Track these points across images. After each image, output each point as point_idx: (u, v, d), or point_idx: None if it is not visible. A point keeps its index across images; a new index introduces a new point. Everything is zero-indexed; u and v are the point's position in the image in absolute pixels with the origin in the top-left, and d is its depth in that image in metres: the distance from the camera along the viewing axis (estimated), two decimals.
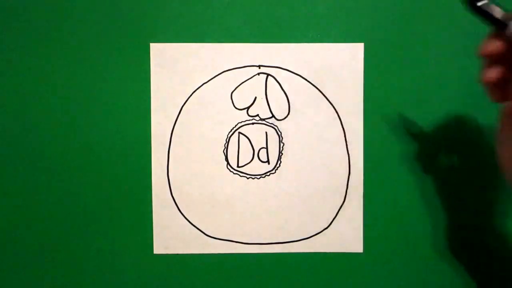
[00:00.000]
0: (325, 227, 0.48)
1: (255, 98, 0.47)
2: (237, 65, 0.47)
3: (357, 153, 0.47)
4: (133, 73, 0.46)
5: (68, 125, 0.46)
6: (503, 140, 0.34)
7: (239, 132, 0.47)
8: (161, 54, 0.46)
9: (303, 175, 0.47)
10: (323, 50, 0.47)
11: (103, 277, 0.48)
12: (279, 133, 0.47)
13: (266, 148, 0.47)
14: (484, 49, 0.32)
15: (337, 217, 0.48)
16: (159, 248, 0.48)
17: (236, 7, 0.46)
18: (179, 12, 0.46)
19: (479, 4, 0.31)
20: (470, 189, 0.48)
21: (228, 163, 0.47)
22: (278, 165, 0.47)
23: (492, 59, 0.33)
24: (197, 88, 0.47)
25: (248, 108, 0.47)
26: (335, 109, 0.47)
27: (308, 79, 0.47)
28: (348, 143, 0.47)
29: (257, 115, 0.47)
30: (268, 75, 0.47)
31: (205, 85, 0.47)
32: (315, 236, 0.48)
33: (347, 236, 0.48)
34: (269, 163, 0.48)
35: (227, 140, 0.47)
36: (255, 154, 0.47)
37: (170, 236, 0.48)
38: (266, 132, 0.47)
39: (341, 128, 0.47)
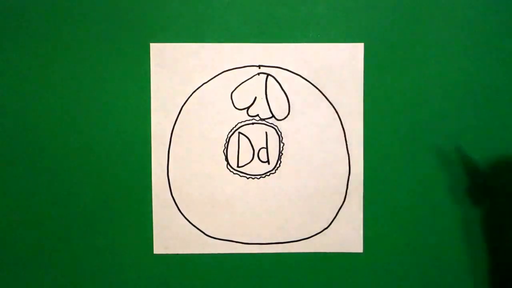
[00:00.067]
0: (325, 227, 0.48)
1: (255, 98, 0.47)
2: (237, 65, 0.47)
3: (357, 153, 0.47)
4: (133, 73, 0.46)
5: (68, 125, 0.46)
6: None
7: (239, 132, 0.47)
8: (161, 54, 0.46)
9: (303, 175, 0.47)
10: (323, 50, 0.47)
11: (103, 277, 0.48)
12: (279, 133, 0.47)
13: (266, 148, 0.47)
14: None
15: (337, 217, 0.48)
16: (159, 248, 0.48)
17: (236, 7, 0.46)
18: (179, 12, 0.46)
19: None
20: (470, 189, 0.48)
21: (228, 163, 0.47)
22: (278, 165, 0.47)
23: None
24: (197, 88, 0.47)
25: (248, 108, 0.47)
26: (335, 109, 0.47)
27: (308, 79, 0.47)
28: (348, 143, 0.47)
29: (257, 115, 0.47)
30: (268, 75, 0.47)
31: (205, 85, 0.47)
32: (315, 236, 0.48)
33: (347, 236, 0.48)
34: (269, 163, 0.48)
35: (227, 140, 0.47)
36: (255, 154, 0.47)
37: (170, 236, 0.48)
38: (266, 132, 0.47)
39: (341, 128, 0.47)
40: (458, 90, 0.47)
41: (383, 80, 0.47)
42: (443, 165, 0.47)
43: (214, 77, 0.47)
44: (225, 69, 0.47)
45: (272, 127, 0.47)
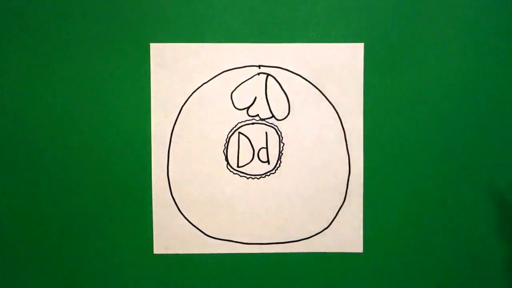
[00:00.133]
0: (325, 227, 0.48)
1: (255, 98, 0.47)
2: (237, 65, 0.47)
3: (357, 153, 0.47)
4: (133, 73, 0.46)
5: (68, 125, 0.46)
6: None
7: (239, 132, 0.47)
8: (161, 54, 0.46)
9: (303, 175, 0.47)
10: (323, 50, 0.47)
11: (103, 277, 0.48)
12: (279, 133, 0.47)
13: (266, 148, 0.47)
14: None
15: (337, 217, 0.48)
16: (159, 248, 0.48)
17: (236, 7, 0.46)
18: (179, 12, 0.46)
19: None
20: (470, 188, 0.48)
21: (228, 163, 0.47)
22: (278, 165, 0.47)
23: None
24: (197, 88, 0.47)
25: (248, 108, 0.47)
26: (335, 109, 0.47)
27: (308, 79, 0.47)
28: (348, 143, 0.47)
29: (257, 115, 0.47)
30: (268, 75, 0.47)
31: (205, 85, 0.47)
32: (315, 236, 0.48)
33: (347, 236, 0.48)
34: (269, 163, 0.48)
35: (227, 140, 0.47)
36: (255, 154, 0.47)
37: (170, 236, 0.48)
38: (266, 132, 0.47)
39: (341, 128, 0.47)
40: (458, 90, 0.47)
41: (383, 80, 0.47)
42: (443, 165, 0.47)
43: (214, 77, 0.47)
44: (225, 69, 0.47)
45: (272, 127, 0.47)
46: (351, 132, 0.47)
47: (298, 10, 0.46)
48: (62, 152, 0.47)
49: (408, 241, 0.48)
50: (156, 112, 0.47)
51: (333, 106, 0.47)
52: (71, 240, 0.47)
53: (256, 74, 0.47)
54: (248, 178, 0.48)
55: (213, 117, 0.47)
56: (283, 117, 0.47)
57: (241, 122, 0.47)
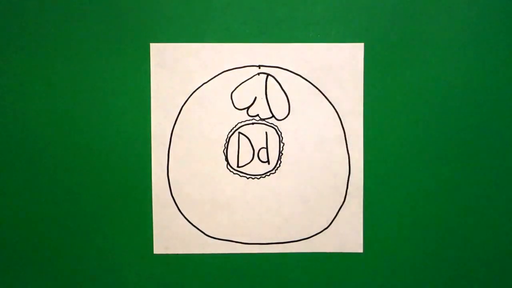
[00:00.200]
0: (325, 227, 0.48)
1: (255, 98, 0.47)
2: (237, 65, 0.47)
3: (357, 153, 0.47)
4: (133, 73, 0.46)
5: (68, 125, 0.46)
6: None
7: (239, 132, 0.47)
8: (161, 54, 0.46)
9: (303, 175, 0.47)
10: (323, 50, 0.47)
11: (103, 277, 0.48)
12: (279, 133, 0.47)
13: (266, 148, 0.47)
14: None
15: (337, 217, 0.48)
16: (159, 248, 0.48)
17: (236, 7, 0.46)
18: (179, 12, 0.46)
19: None
20: (470, 188, 0.48)
21: (228, 163, 0.47)
22: (278, 165, 0.47)
23: None
24: (197, 88, 0.47)
25: (248, 108, 0.47)
26: (335, 109, 0.47)
27: (308, 79, 0.47)
28: (348, 143, 0.47)
29: (257, 115, 0.47)
30: (268, 75, 0.47)
31: (205, 85, 0.47)
32: (315, 236, 0.48)
33: (347, 236, 0.48)
34: (269, 163, 0.48)
35: (227, 140, 0.47)
36: (255, 154, 0.47)
37: (170, 236, 0.48)
38: (266, 132, 0.47)
39: (341, 128, 0.47)
40: (458, 90, 0.47)
41: (383, 80, 0.47)
42: (443, 165, 0.47)
43: (214, 77, 0.47)
44: (225, 69, 0.47)
45: (272, 127, 0.47)
46: (351, 132, 0.47)
47: (298, 10, 0.46)
48: (62, 152, 0.47)
49: (408, 241, 0.48)
50: (156, 112, 0.47)
51: (333, 106, 0.47)
52: (71, 240, 0.47)
53: (256, 74, 0.47)
54: (248, 178, 0.48)
55: (213, 117, 0.47)
56: (283, 117, 0.47)
57: (241, 122, 0.47)
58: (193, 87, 0.47)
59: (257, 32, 0.46)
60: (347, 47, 0.46)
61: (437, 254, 0.48)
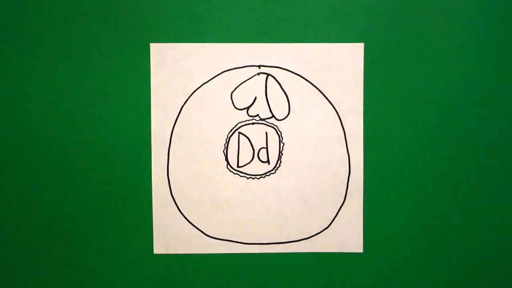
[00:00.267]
0: (325, 227, 0.48)
1: (255, 98, 0.47)
2: (237, 65, 0.47)
3: (357, 153, 0.47)
4: (133, 73, 0.46)
5: (68, 125, 0.46)
6: None
7: (239, 132, 0.47)
8: (161, 54, 0.46)
9: (303, 175, 0.47)
10: (323, 50, 0.47)
11: (103, 277, 0.48)
12: (279, 133, 0.47)
13: (266, 148, 0.47)
14: None
15: (337, 217, 0.48)
16: (159, 248, 0.48)
17: (236, 7, 0.46)
18: (179, 12, 0.46)
19: None
20: (470, 188, 0.48)
21: (228, 163, 0.47)
22: (278, 165, 0.47)
23: None
24: (197, 88, 0.47)
25: (248, 108, 0.47)
26: (335, 109, 0.47)
27: (308, 79, 0.47)
28: (348, 143, 0.47)
29: (257, 115, 0.47)
30: (268, 75, 0.47)
31: (205, 85, 0.47)
32: (315, 236, 0.48)
33: (347, 236, 0.48)
34: (269, 163, 0.48)
35: (227, 140, 0.47)
36: (255, 154, 0.47)
37: (170, 236, 0.48)
38: (266, 132, 0.47)
39: (341, 128, 0.47)
40: (458, 90, 0.47)
41: (383, 80, 0.47)
42: (443, 165, 0.47)
43: (214, 77, 0.47)
44: (225, 69, 0.47)
45: (272, 127, 0.47)
46: (351, 132, 0.47)
47: (298, 10, 0.46)
48: (62, 152, 0.47)
49: (408, 241, 0.48)
50: (156, 112, 0.47)
51: (333, 106, 0.47)
52: (71, 240, 0.47)
53: (256, 74, 0.47)
54: (248, 178, 0.48)
55: (213, 117, 0.47)
56: (283, 117, 0.47)
57: (241, 122, 0.47)
58: (193, 87, 0.47)
59: (257, 32, 0.46)
60: (347, 47, 0.46)
61: (437, 254, 0.48)
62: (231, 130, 0.47)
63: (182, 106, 0.47)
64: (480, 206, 0.48)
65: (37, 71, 0.46)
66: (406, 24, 0.46)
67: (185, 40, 0.46)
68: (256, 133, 0.47)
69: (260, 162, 0.47)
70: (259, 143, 0.47)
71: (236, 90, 0.47)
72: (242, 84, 0.47)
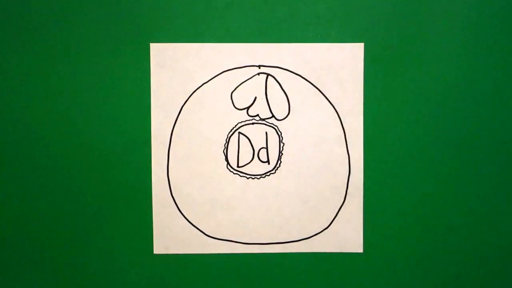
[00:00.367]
0: (325, 227, 0.48)
1: (255, 98, 0.47)
2: (237, 65, 0.47)
3: (357, 153, 0.47)
4: (133, 73, 0.46)
5: (68, 125, 0.46)
6: None
7: (239, 132, 0.47)
8: (161, 54, 0.46)
9: (303, 175, 0.47)
10: (323, 50, 0.47)
11: (103, 277, 0.48)
12: (279, 133, 0.47)
13: (266, 148, 0.47)
14: None
15: (337, 217, 0.48)
16: (159, 248, 0.48)
17: (236, 7, 0.46)
18: (179, 12, 0.46)
19: None
20: (470, 188, 0.48)
21: (228, 163, 0.47)
22: (278, 165, 0.47)
23: None
24: (197, 88, 0.47)
25: (248, 108, 0.47)
26: (335, 109, 0.47)
27: (308, 79, 0.47)
28: (348, 143, 0.47)
29: (257, 115, 0.47)
30: (268, 75, 0.47)
31: (205, 85, 0.47)
32: (315, 236, 0.48)
33: (347, 236, 0.48)
34: (269, 163, 0.48)
35: (227, 140, 0.47)
36: (255, 154, 0.47)
37: (170, 236, 0.48)
38: (266, 132, 0.47)
39: (341, 128, 0.47)
40: (458, 90, 0.47)
41: (383, 80, 0.47)
42: (443, 165, 0.47)
43: (214, 77, 0.47)
44: (225, 69, 0.47)
45: (272, 127, 0.47)
46: (351, 132, 0.47)
47: (298, 10, 0.46)
48: (62, 152, 0.47)
49: (408, 241, 0.48)
50: (156, 112, 0.47)
51: (333, 106, 0.47)
52: (71, 240, 0.47)
53: (256, 74, 0.47)
54: (248, 178, 0.48)
55: (213, 117, 0.47)
56: (283, 117, 0.47)
57: (241, 122, 0.47)
58: (193, 87, 0.47)
59: (257, 32, 0.46)
60: (347, 47, 0.46)
61: (437, 254, 0.48)
62: (231, 130, 0.47)
63: (182, 106, 0.47)
64: (480, 206, 0.48)
65: (37, 71, 0.46)
66: (406, 24, 0.46)
67: (185, 40, 0.46)
68: (256, 133, 0.47)
69: (260, 162, 0.47)
70: (259, 143, 0.47)
71: (236, 90, 0.47)
72: (242, 84, 0.47)
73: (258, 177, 0.48)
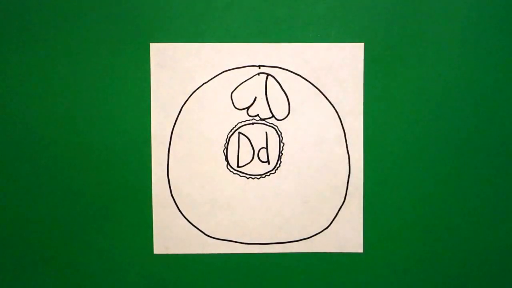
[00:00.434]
0: (325, 227, 0.48)
1: (255, 98, 0.47)
2: (237, 65, 0.47)
3: (357, 153, 0.47)
4: (133, 73, 0.46)
5: (68, 125, 0.46)
6: None
7: (239, 132, 0.47)
8: (161, 54, 0.46)
9: (303, 175, 0.47)
10: (323, 50, 0.47)
11: (103, 277, 0.48)
12: (279, 133, 0.47)
13: (266, 148, 0.47)
14: None
15: (337, 217, 0.48)
16: (159, 248, 0.48)
17: (236, 7, 0.46)
18: (179, 12, 0.46)
19: None
20: (470, 188, 0.48)
21: (228, 163, 0.47)
22: (278, 165, 0.47)
23: None
24: (197, 88, 0.47)
25: (248, 108, 0.47)
26: (335, 109, 0.47)
27: (308, 79, 0.47)
28: (348, 143, 0.47)
29: (257, 115, 0.47)
30: (268, 75, 0.47)
31: (205, 85, 0.47)
32: (315, 236, 0.48)
33: (347, 236, 0.48)
34: (269, 163, 0.48)
35: (227, 140, 0.47)
36: (255, 154, 0.47)
37: (170, 236, 0.48)
38: (266, 132, 0.47)
39: (341, 128, 0.47)
40: (458, 90, 0.47)
41: (383, 80, 0.47)
42: (443, 165, 0.47)
43: (214, 77, 0.47)
44: (225, 69, 0.47)
45: (272, 127, 0.47)
46: (351, 132, 0.47)
47: (298, 10, 0.46)
48: (62, 152, 0.47)
49: (408, 241, 0.48)
50: (156, 112, 0.47)
51: (333, 106, 0.47)
52: (71, 240, 0.47)
53: (256, 74, 0.47)
54: (248, 178, 0.48)
55: (213, 117, 0.47)
56: (283, 117, 0.47)
57: (241, 122, 0.47)
58: (193, 87, 0.47)
59: (257, 32, 0.46)
60: (347, 47, 0.46)
61: (437, 254, 0.48)
62: (231, 130, 0.47)
63: (182, 106, 0.47)
64: (480, 206, 0.48)
65: (37, 71, 0.46)
66: (406, 24, 0.46)
67: (185, 40, 0.46)
68: (256, 133, 0.47)
69: (260, 162, 0.47)
70: (259, 143, 0.47)
71: (236, 90, 0.47)
72: (242, 84, 0.47)
73: (258, 177, 0.48)
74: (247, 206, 0.48)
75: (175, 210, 0.47)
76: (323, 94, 0.47)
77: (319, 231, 0.48)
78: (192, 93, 0.47)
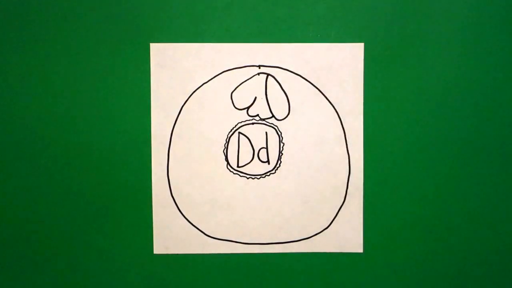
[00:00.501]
0: (325, 227, 0.48)
1: (255, 98, 0.47)
2: (237, 65, 0.47)
3: (357, 153, 0.47)
4: (133, 73, 0.46)
5: (68, 125, 0.46)
6: None
7: (239, 132, 0.47)
8: (161, 54, 0.46)
9: (303, 175, 0.47)
10: (323, 50, 0.47)
11: (103, 277, 0.48)
12: (279, 133, 0.47)
13: (266, 148, 0.47)
14: None
15: (337, 217, 0.48)
16: (159, 248, 0.48)
17: (236, 7, 0.46)
18: (179, 12, 0.46)
19: None
20: (470, 188, 0.48)
21: (228, 163, 0.47)
22: (278, 165, 0.47)
23: None
24: (197, 88, 0.47)
25: (248, 108, 0.47)
26: (335, 109, 0.47)
27: (308, 79, 0.47)
28: (348, 143, 0.47)
29: (257, 115, 0.47)
30: (268, 75, 0.47)
31: (205, 85, 0.47)
32: (315, 236, 0.48)
33: (347, 236, 0.48)
34: (269, 163, 0.48)
35: (227, 140, 0.47)
36: (255, 154, 0.47)
37: (170, 236, 0.48)
38: (266, 132, 0.47)
39: (341, 128, 0.47)
40: (458, 90, 0.47)
41: (383, 80, 0.47)
42: (443, 165, 0.47)
43: (214, 77, 0.47)
44: (225, 69, 0.47)
45: (272, 127, 0.47)
46: (351, 132, 0.47)
47: (298, 10, 0.46)
48: (62, 152, 0.47)
49: (409, 241, 0.48)
50: (156, 112, 0.47)
51: (333, 106, 0.47)
52: (71, 240, 0.47)
53: (256, 74, 0.47)
54: (248, 178, 0.48)
55: (213, 117, 0.47)
56: (283, 117, 0.47)
57: (241, 122, 0.47)
58: (193, 87, 0.47)
59: (257, 32, 0.46)
60: (347, 47, 0.46)
61: (437, 254, 0.48)
62: (231, 130, 0.47)
63: (182, 106, 0.47)
64: (480, 206, 0.48)
65: (37, 71, 0.46)
66: (406, 24, 0.46)
67: (185, 40, 0.46)
68: (256, 133, 0.47)
69: (260, 162, 0.47)
70: (259, 143, 0.47)
71: (236, 90, 0.47)
72: (242, 84, 0.47)
73: (258, 177, 0.48)
74: (247, 206, 0.48)
75: (175, 210, 0.47)
76: (323, 94, 0.47)
77: (319, 231, 0.48)
78: (192, 93, 0.47)
